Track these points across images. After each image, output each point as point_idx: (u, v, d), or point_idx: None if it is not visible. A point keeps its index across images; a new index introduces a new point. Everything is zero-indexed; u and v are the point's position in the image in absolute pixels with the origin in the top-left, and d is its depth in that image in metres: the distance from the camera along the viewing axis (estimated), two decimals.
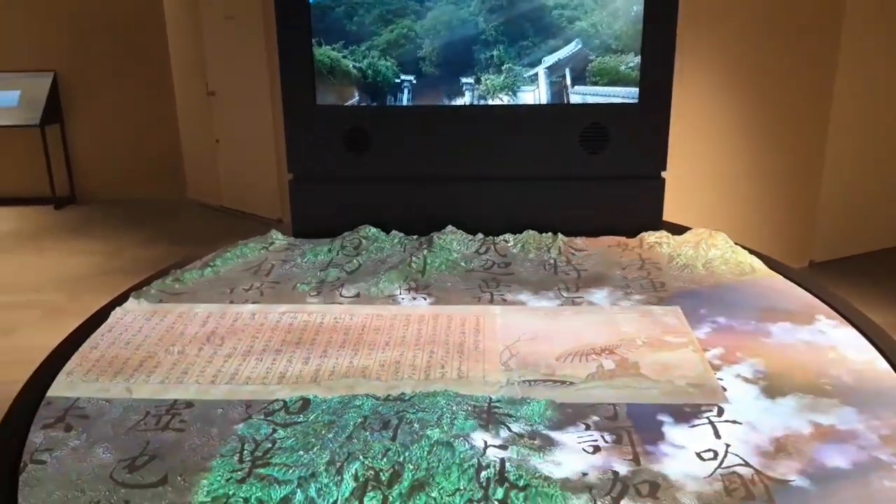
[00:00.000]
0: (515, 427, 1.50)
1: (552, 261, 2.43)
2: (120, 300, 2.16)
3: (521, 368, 1.74)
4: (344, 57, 2.52)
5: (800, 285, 2.21)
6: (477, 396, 1.60)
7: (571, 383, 1.67)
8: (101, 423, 1.54)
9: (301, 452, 1.42)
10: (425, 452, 1.41)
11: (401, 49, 2.49)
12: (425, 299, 2.16)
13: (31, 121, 6.63)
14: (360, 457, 1.39)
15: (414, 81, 2.54)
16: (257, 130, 6.09)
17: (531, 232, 2.57)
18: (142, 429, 1.52)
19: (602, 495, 1.29)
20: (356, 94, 2.57)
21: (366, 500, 1.28)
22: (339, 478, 1.34)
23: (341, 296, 2.18)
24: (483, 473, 1.34)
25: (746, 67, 4.39)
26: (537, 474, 1.34)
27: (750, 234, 4.08)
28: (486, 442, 1.44)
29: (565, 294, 2.18)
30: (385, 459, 1.38)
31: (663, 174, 2.67)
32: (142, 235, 5.96)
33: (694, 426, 1.50)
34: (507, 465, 1.37)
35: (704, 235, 2.52)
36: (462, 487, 1.31)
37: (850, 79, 4.58)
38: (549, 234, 2.58)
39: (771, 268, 2.35)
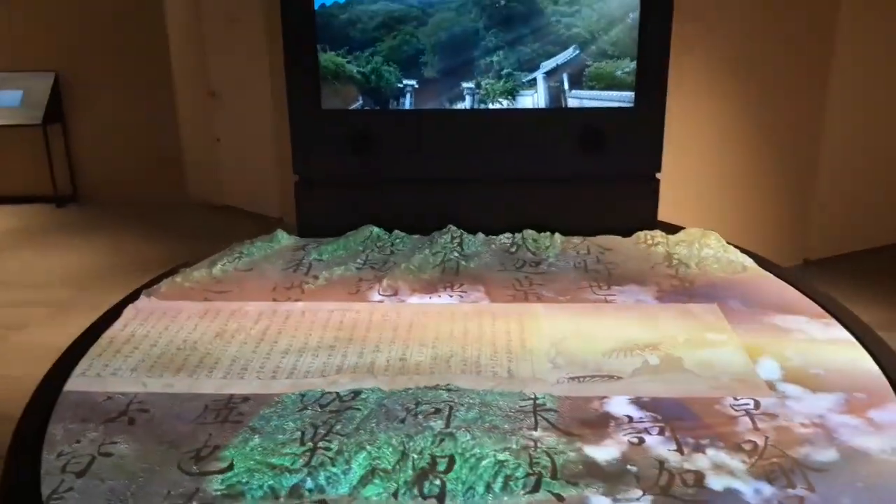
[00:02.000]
0: (561, 423, 1.57)
1: (582, 260, 2.50)
2: (132, 297, 2.23)
3: (569, 365, 1.81)
4: (348, 62, 2.59)
5: (791, 284, 2.28)
6: (526, 393, 1.68)
7: (619, 378, 1.74)
8: (163, 417, 1.62)
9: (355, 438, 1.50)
10: (472, 444, 1.48)
11: (403, 54, 2.56)
12: (461, 297, 2.24)
13: (33, 120, 6.68)
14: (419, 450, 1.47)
15: (416, 86, 2.61)
16: (258, 129, 6.14)
17: (530, 231, 2.65)
18: (202, 422, 1.59)
19: (650, 486, 1.36)
20: (360, 98, 2.64)
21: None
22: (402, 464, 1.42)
23: (380, 293, 2.26)
24: (534, 467, 1.41)
25: (740, 66, 4.45)
26: (582, 466, 1.42)
27: (745, 232, 4.15)
28: (534, 437, 1.51)
29: (598, 292, 2.25)
30: (440, 448, 1.47)
31: (658, 175, 2.75)
32: (144, 233, 6.01)
33: (734, 419, 1.57)
34: (555, 459, 1.44)
35: (697, 235, 2.59)
36: (510, 475, 1.39)
37: (845, 77, 4.64)
38: (548, 233, 2.65)
39: (762, 266, 2.43)
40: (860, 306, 2.19)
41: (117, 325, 2.06)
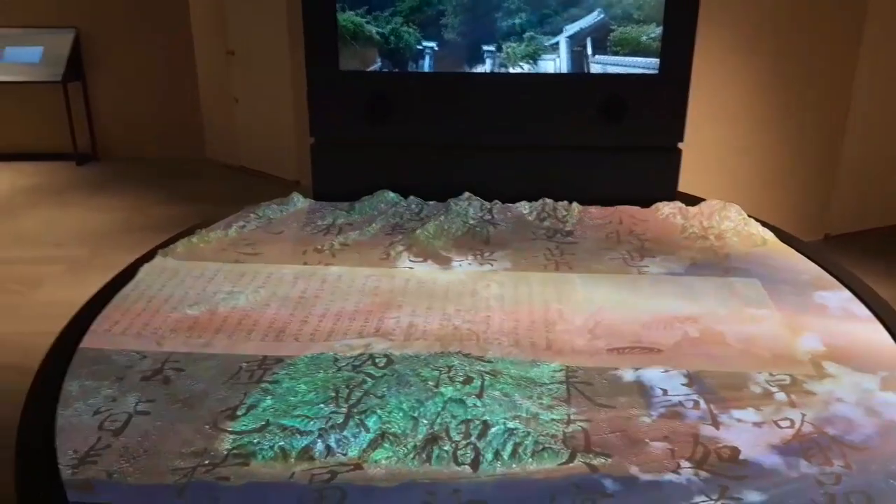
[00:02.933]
0: (599, 397, 1.56)
1: (614, 231, 2.47)
2: (148, 257, 2.24)
3: (608, 336, 1.80)
4: (367, 23, 2.55)
5: (812, 259, 2.25)
6: (559, 366, 1.66)
7: (659, 350, 1.73)
8: (196, 376, 1.63)
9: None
10: (509, 414, 1.48)
11: (423, 16, 2.51)
12: (492, 265, 2.22)
13: (53, 77, 6.68)
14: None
15: (436, 48, 2.57)
16: (276, 91, 6.11)
17: (548, 200, 2.62)
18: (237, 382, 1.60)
19: (684, 458, 1.36)
20: (378, 60, 2.60)
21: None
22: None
23: (410, 260, 2.25)
24: (569, 442, 1.41)
25: (767, 38, 4.35)
26: (618, 438, 1.41)
27: (766, 206, 4.09)
28: (568, 413, 1.50)
29: (631, 263, 2.22)
30: (472, 414, 1.47)
31: (680, 145, 2.70)
32: (161, 193, 6.04)
33: (771, 394, 1.56)
34: (590, 434, 1.44)
35: (718, 207, 2.55)
36: (548, 446, 1.39)
37: (875, 52, 4.53)
38: (565, 202, 2.62)
39: (783, 240, 2.39)
40: (880, 283, 2.15)
41: (141, 284, 2.06)
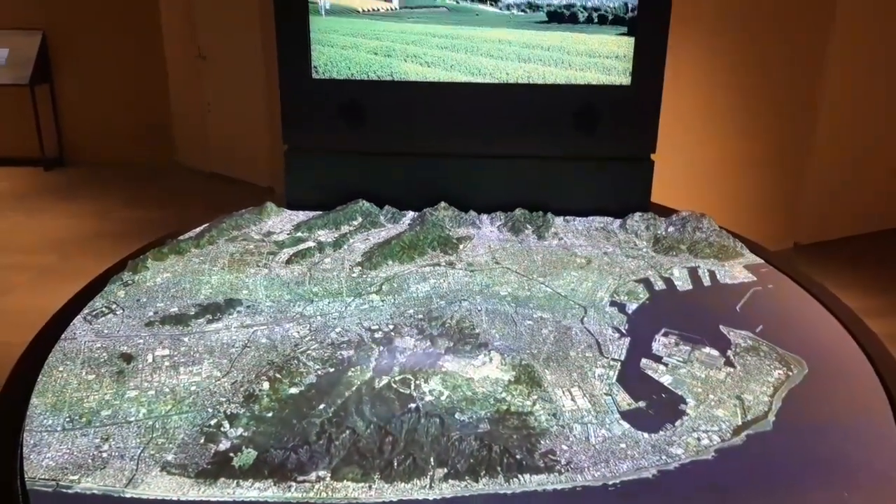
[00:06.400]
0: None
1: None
2: (117, 267, 2.20)
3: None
4: None
5: (782, 271, 2.28)
6: None
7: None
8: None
9: None
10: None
11: None
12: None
13: (20, 80, 6.57)
14: None
15: None
16: (248, 96, 6.06)
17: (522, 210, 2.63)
18: None
19: None
20: None
21: None
22: None
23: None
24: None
25: (737, 52, 4.42)
26: None
27: (736, 214, 4.14)
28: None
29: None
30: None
31: (652, 156, 2.72)
32: (131, 198, 5.96)
33: None
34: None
35: (690, 218, 2.58)
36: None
37: (840, 63, 4.62)
38: (540, 213, 2.63)
39: (754, 251, 2.42)
40: (849, 292, 2.19)
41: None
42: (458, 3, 2.55)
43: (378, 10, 2.56)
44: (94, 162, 6.93)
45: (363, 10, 2.56)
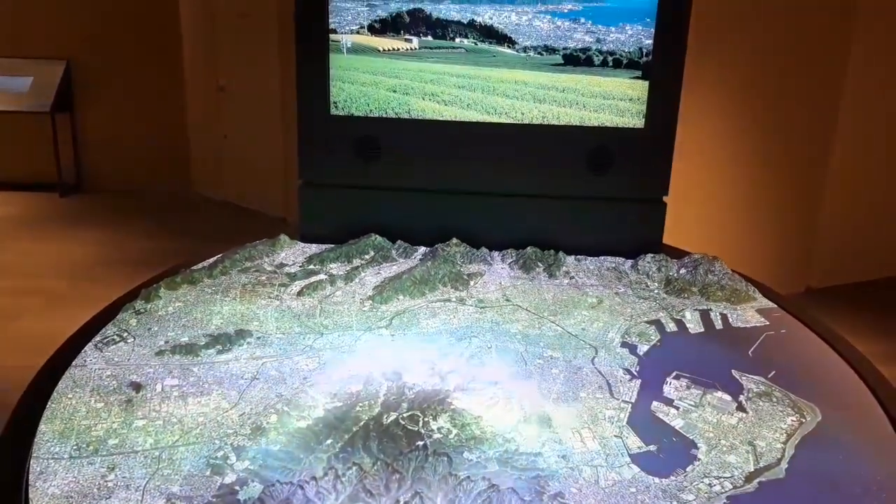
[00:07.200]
0: None
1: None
2: (130, 295, 2.22)
3: None
4: None
5: (795, 316, 2.26)
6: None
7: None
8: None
9: None
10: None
11: None
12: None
13: (41, 107, 6.68)
14: None
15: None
16: (265, 127, 6.14)
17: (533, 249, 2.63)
18: None
19: None
20: None
21: None
22: None
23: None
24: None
25: (750, 93, 4.45)
26: None
27: (749, 257, 4.14)
28: None
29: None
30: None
31: (665, 198, 2.73)
32: (144, 227, 6.01)
33: None
34: None
35: (702, 260, 2.57)
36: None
37: (854, 108, 4.64)
38: (551, 251, 2.63)
39: (766, 296, 2.40)
40: (861, 337, 2.17)
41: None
42: (476, 44, 2.60)
43: (398, 49, 2.60)
44: (111, 189, 7.00)
45: (383, 50, 2.60)
